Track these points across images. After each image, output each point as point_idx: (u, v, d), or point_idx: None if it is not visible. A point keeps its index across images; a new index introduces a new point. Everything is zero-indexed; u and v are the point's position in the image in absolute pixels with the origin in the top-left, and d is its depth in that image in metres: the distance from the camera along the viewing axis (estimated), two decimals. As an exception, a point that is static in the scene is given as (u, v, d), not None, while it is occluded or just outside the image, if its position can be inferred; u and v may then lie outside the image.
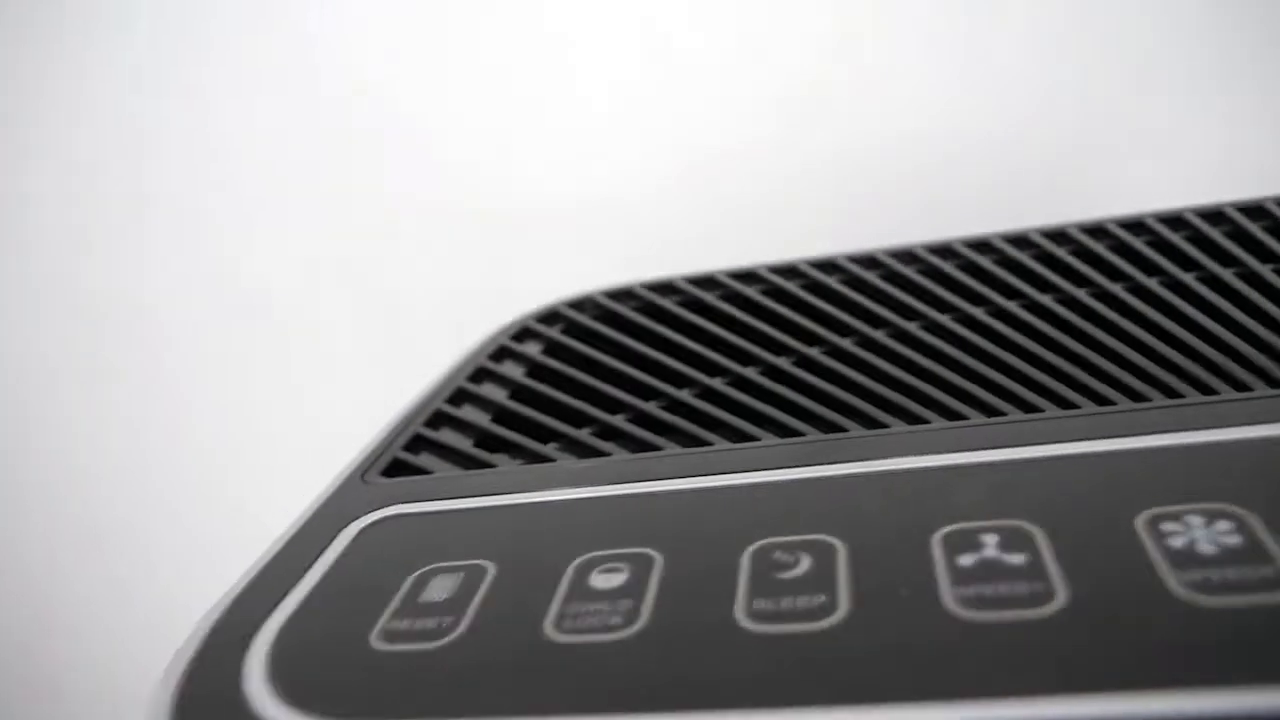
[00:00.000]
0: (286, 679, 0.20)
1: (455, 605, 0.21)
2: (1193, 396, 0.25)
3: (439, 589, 0.22)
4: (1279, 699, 0.14)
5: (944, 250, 0.37)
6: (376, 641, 0.21)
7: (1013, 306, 0.31)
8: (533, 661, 0.19)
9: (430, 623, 0.21)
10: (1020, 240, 0.35)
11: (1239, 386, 0.25)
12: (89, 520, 0.70)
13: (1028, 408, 0.25)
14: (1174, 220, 0.35)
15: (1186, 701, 0.15)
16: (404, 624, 0.21)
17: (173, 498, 0.69)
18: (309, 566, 0.24)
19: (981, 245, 0.36)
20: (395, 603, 0.22)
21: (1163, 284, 0.31)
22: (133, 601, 0.70)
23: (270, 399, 0.67)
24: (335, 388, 0.65)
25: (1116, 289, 0.31)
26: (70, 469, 0.69)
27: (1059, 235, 0.35)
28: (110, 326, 0.66)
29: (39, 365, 0.67)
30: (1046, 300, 0.31)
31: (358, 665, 0.20)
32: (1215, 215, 0.34)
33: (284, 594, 0.23)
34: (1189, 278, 0.31)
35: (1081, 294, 0.31)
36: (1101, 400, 0.25)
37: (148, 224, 0.64)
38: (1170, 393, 0.25)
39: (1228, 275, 0.30)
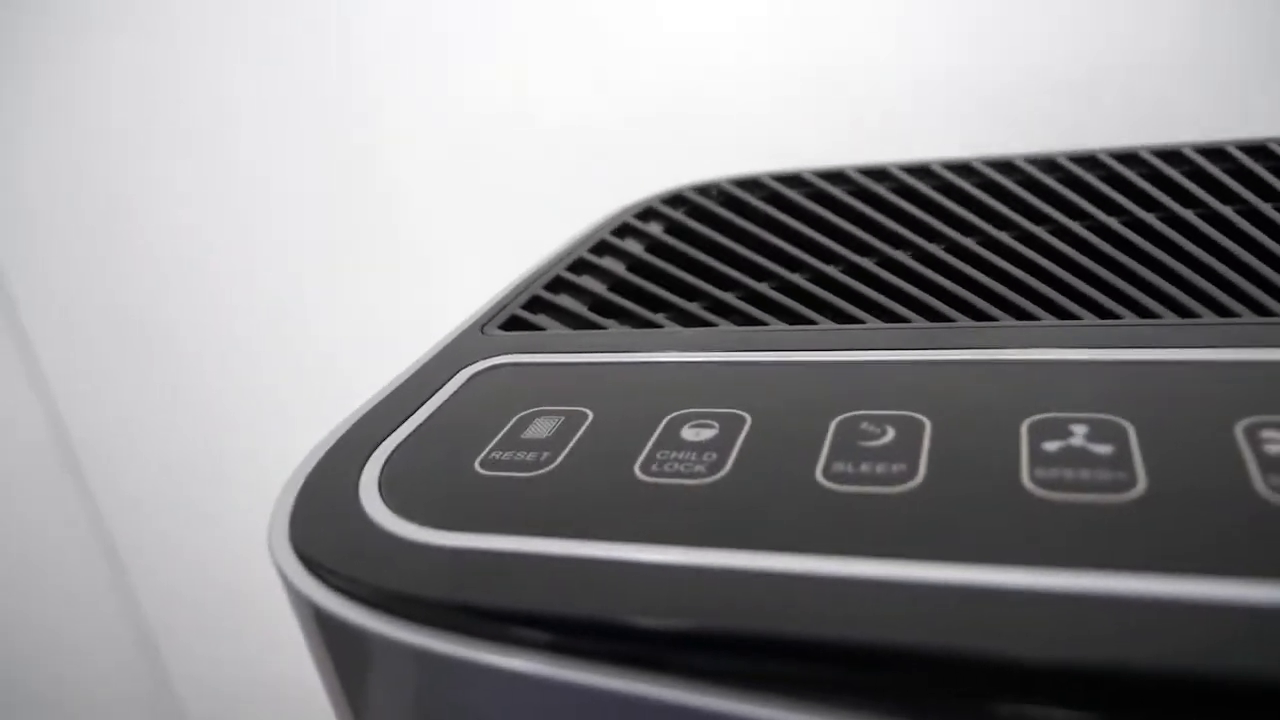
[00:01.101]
0: (397, 491, 0.22)
1: (553, 443, 0.23)
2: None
3: (540, 428, 0.24)
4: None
5: (1087, 160, 0.36)
6: (479, 467, 0.22)
7: (1150, 218, 0.30)
8: (618, 497, 0.20)
9: (529, 455, 0.22)
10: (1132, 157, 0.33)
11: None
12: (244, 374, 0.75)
13: (1144, 313, 0.24)
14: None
15: (1249, 589, 0.15)
16: (505, 455, 0.23)
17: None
18: (425, 401, 0.26)
19: (1128, 157, 0.35)
20: (499, 436, 0.23)
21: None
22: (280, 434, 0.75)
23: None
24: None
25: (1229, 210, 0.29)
26: (230, 337, 0.74)
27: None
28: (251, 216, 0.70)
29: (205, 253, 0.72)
30: (1186, 213, 0.30)
31: (460, 485, 0.22)
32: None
33: (400, 421, 0.25)
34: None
35: (1204, 211, 0.29)
36: (1223, 311, 0.24)
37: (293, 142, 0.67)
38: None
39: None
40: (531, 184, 0.65)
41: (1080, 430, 0.20)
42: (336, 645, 0.20)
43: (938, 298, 0.27)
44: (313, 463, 0.24)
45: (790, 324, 0.28)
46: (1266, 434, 0.18)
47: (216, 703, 0.88)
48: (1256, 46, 0.52)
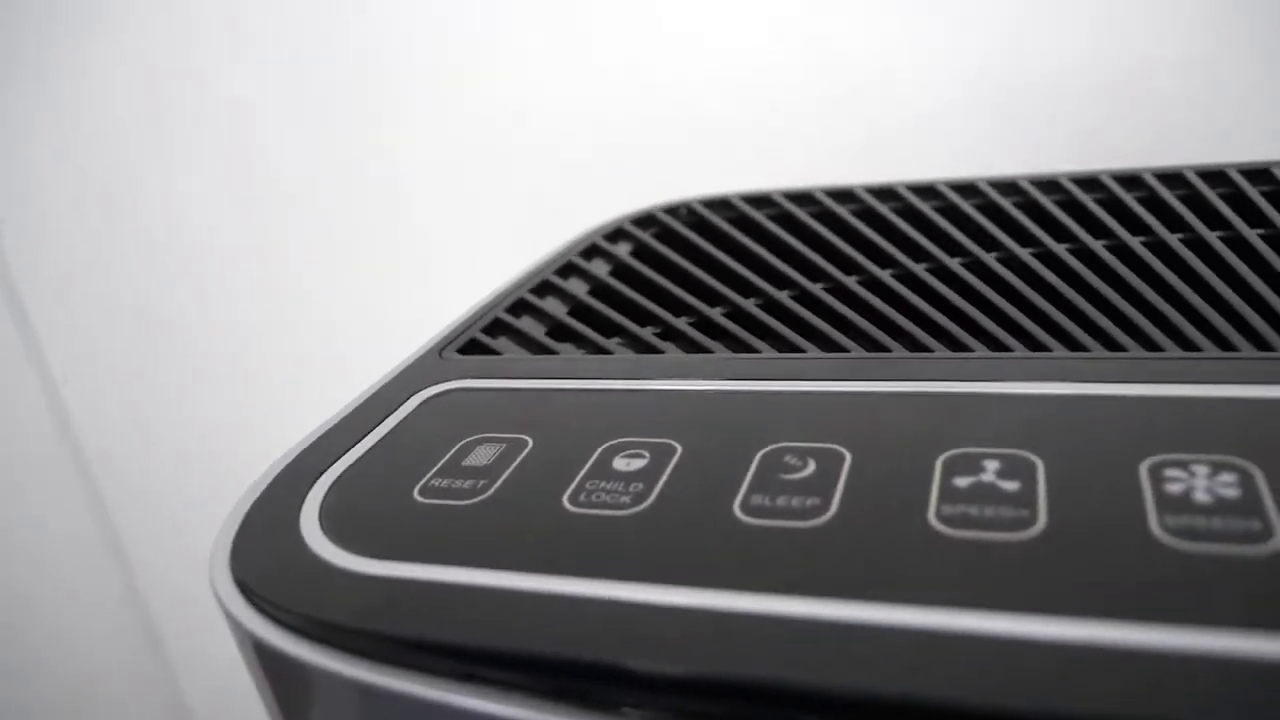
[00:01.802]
0: (336, 519, 0.23)
1: (491, 471, 0.23)
2: (1247, 350, 0.24)
3: (481, 455, 0.24)
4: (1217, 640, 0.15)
5: (1049, 185, 0.36)
6: (419, 495, 0.23)
7: (1097, 246, 0.30)
8: (544, 528, 0.21)
9: (466, 484, 0.23)
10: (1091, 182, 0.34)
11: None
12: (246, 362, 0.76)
13: (1074, 345, 0.25)
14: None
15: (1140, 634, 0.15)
16: (444, 482, 0.23)
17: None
18: (375, 426, 0.27)
19: (1089, 182, 0.35)
20: (441, 463, 0.24)
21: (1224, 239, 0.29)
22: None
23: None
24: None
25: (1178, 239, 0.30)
26: (240, 324, 0.75)
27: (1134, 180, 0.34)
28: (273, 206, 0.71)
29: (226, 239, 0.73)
30: (1135, 242, 0.30)
31: (398, 513, 0.22)
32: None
33: (348, 448, 0.26)
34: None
35: (1157, 240, 0.30)
36: (1151, 346, 0.24)
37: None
38: (1224, 345, 0.24)
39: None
40: (536, 183, 0.66)
41: (992, 466, 0.20)
42: (272, 671, 0.21)
43: (879, 326, 0.27)
44: (258, 490, 0.24)
45: (735, 351, 0.28)
46: (1169, 473, 0.19)
47: (220, 699, 0.89)
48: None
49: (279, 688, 0.21)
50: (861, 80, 0.58)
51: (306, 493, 0.24)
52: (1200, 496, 0.18)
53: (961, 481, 0.20)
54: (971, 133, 0.57)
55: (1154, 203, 0.33)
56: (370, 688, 0.19)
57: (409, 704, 0.19)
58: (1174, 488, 0.18)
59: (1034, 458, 0.20)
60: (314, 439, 0.27)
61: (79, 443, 0.81)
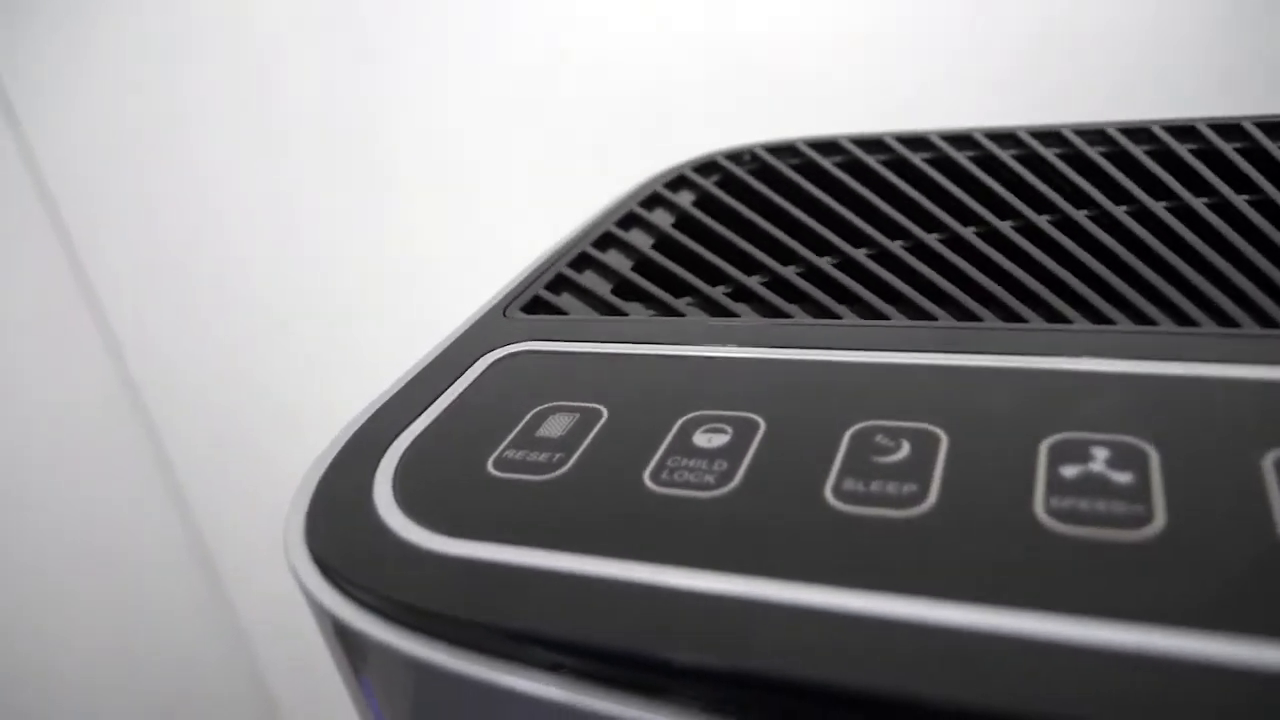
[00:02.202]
0: (409, 491, 0.22)
1: (567, 443, 0.23)
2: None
3: (555, 426, 0.24)
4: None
5: (1140, 132, 0.34)
6: (491, 467, 0.22)
7: (1199, 204, 0.29)
8: (626, 508, 0.20)
9: (542, 456, 0.22)
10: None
11: None
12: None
13: (1183, 319, 0.23)
14: None
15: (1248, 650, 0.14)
16: (519, 454, 0.23)
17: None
18: (443, 391, 0.26)
19: (1184, 130, 0.33)
20: (513, 433, 0.23)
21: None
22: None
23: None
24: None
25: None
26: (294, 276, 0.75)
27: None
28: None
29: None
30: (1240, 200, 0.28)
31: (471, 487, 0.22)
32: None
33: (418, 414, 0.25)
34: None
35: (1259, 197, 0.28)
36: (1266, 320, 0.23)
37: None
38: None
39: None
40: (598, 127, 0.65)
41: (1101, 455, 0.19)
42: (349, 648, 0.21)
43: (967, 291, 0.26)
44: (329, 458, 0.24)
45: (814, 316, 0.27)
46: (1295, 466, 0.18)
47: (286, 642, 0.91)
48: None
49: (356, 664, 0.21)
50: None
51: (378, 463, 0.23)
52: (1332, 495, 0.17)
53: (1069, 471, 0.19)
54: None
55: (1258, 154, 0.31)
56: (446, 672, 0.19)
57: (484, 689, 0.18)
58: (1302, 484, 0.17)
59: (1147, 446, 0.19)
60: (381, 404, 0.26)
61: (143, 400, 0.82)
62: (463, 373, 0.27)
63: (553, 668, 0.18)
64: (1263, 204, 0.28)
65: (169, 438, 0.84)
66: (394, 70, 0.67)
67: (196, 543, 0.88)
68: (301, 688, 0.91)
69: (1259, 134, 0.32)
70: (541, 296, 0.31)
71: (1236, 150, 0.31)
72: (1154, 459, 0.19)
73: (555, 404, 0.24)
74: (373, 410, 0.26)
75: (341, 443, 0.24)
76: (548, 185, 0.67)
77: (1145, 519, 0.17)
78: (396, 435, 0.24)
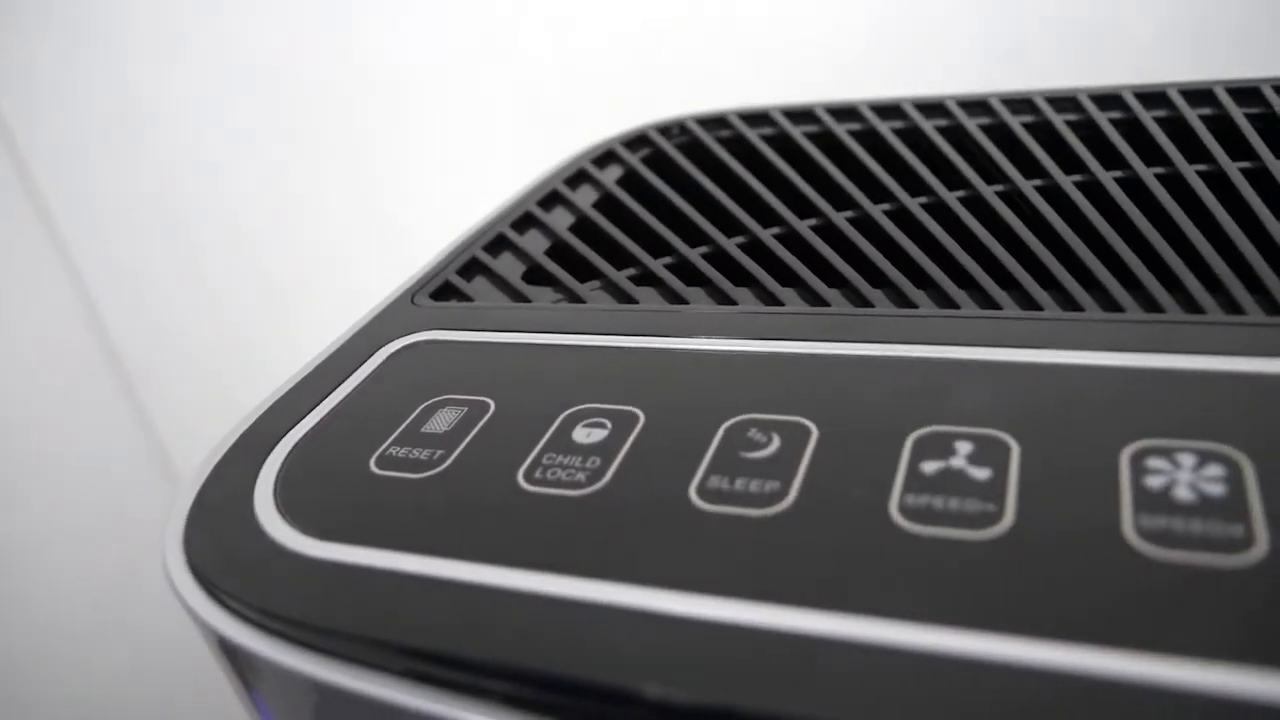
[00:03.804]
0: (290, 493, 0.22)
1: (450, 439, 0.23)
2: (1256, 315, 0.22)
3: (442, 420, 0.23)
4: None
5: (1066, 102, 0.34)
6: (375, 466, 0.22)
7: (1107, 179, 0.28)
8: (496, 509, 0.20)
9: (424, 454, 0.22)
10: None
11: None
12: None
13: (1070, 304, 0.23)
14: None
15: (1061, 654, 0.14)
16: (401, 451, 0.22)
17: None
18: (339, 384, 0.26)
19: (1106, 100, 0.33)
20: (400, 429, 0.23)
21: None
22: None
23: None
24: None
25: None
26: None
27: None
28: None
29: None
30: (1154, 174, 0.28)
31: (352, 487, 0.22)
32: None
33: (310, 408, 0.25)
34: None
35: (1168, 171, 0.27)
36: (1151, 306, 0.22)
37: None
38: (1233, 306, 0.22)
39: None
40: (553, 92, 0.64)
41: (964, 449, 0.19)
42: (229, 656, 0.21)
43: (865, 274, 0.26)
44: (213, 460, 0.24)
45: (714, 301, 0.27)
46: (1152, 462, 0.17)
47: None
48: None
49: (239, 672, 0.21)
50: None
51: (263, 463, 0.23)
52: (1182, 493, 0.17)
53: (930, 467, 0.18)
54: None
55: (1175, 125, 0.30)
56: (317, 681, 0.19)
57: (353, 699, 0.18)
58: (1155, 481, 0.17)
59: (1010, 440, 0.19)
60: (274, 400, 0.26)
61: (120, 355, 0.81)
62: (361, 364, 0.27)
63: (404, 674, 0.18)
64: (1171, 178, 0.28)
65: (160, 417, 0.84)
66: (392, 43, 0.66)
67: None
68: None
69: (1136, 104, 0.31)
70: (451, 282, 0.30)
71: (1112, 121, 0.31)
72: (1015, 453, 0.18)
73: (445, 397, 0.24)
74: (265, 407, 0.25)
75: (229, 443, 0.24)
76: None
77: (995, 517, 0.17)
78: (285, 433, 0.24)
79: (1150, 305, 0.22)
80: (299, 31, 0.67)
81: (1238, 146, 0.29)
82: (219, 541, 0.21)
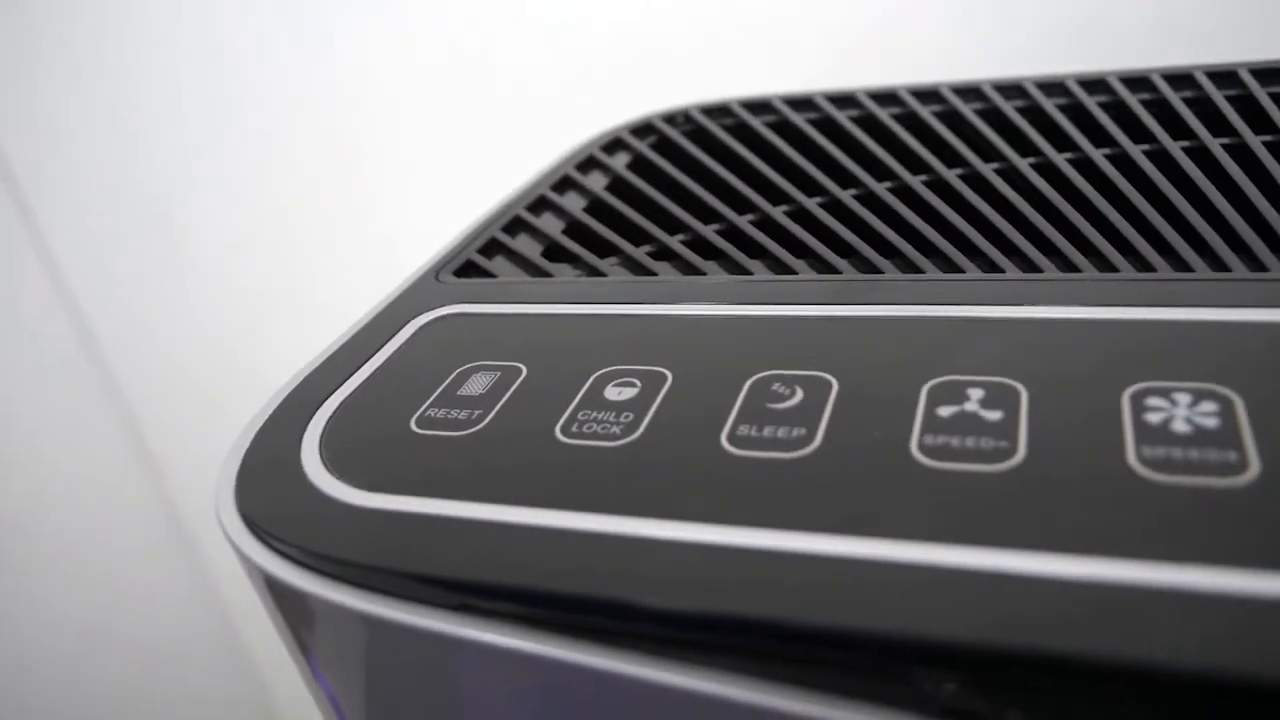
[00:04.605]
0: (335, 451, 0.23)
1: (486, 401, 0.24)
2: (1240, 271, 0.24)
3: (476, 384, 0.25)
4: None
5: (1054, 87, 0.35)
6: (415, 426, 0.23)
7: (1097, 155, 0.30)
8: (536, 459, 0.21)
9: (462, 414, 0.23)
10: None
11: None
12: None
13: (1068, 266, 0.24)
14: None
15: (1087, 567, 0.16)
16: (440, 413, 0.24)
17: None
18: (372, 355, 0.27)
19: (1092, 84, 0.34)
20: (436, 393, 0.24)
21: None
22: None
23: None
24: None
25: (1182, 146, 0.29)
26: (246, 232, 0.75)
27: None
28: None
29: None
30: (1136, 151, 0.29)
31: (394, 444, 0.23)
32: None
33: (347, 376, 0.26)
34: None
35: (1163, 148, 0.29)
36: (1145, 266, 0.24)
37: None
38: (1219, 265, 0.24)
39: None
40: (555, 85, 0.65)
41: (976, 395, 0.20)
42: (280, 601, 0.22)
43: (873, 245, 0.27)
44: (259, 422, 0.25)
45: (729, 273, 0.28)
46: (1151, 401, 0.19)
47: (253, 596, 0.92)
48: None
49: (288, 616, 0.22)
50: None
51: (306, 425, 0.24)
52: (1180, 426, 0.18)
53: (945, 411, 0.20)
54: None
55: (1161, 108, 0.32)
56: (368, 617, 0.20)
57: (406, 632, 0.19)
58: (1154, 417, 0.18)
59: (1018, 385, 0.20)
60: (313, 368, 0.27)
61: (101, 352, 0.82)
62: (392, 336, 0.28)
63: (458, 608, 0.19)
64: (1157, 154, 0.29)
65: (147, 418, 0.85)
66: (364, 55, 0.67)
67: (174, 523, 0.89)
68: (284, 659, 0.92)
69: (1121, 88, 0.33)
70: (473, 260, 0.32)
71: (1099, 105, 0.33)
72: (1024, 396, 0.20)
73: (478, 363, 0.25)
74: (303, 376, 0.27)
75: (272, 408, 0.25)
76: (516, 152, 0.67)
77: (1009, 452, 0.18)
78: (325, 399, 0.25)
79: (1143, 266, 0.24)
80: (283, 36, 0.68)
81: (1218, 125, 0.30)
82: (271, 495, 0.22)
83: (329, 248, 0.74)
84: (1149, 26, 0.52)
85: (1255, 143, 0.28)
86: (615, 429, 0.22)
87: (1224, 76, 0.33)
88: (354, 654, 0.22)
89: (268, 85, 0.69)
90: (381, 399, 0.25)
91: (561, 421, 0.22)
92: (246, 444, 0.24)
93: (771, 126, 0.37)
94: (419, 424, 0.23)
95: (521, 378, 0.25)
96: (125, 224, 0.76)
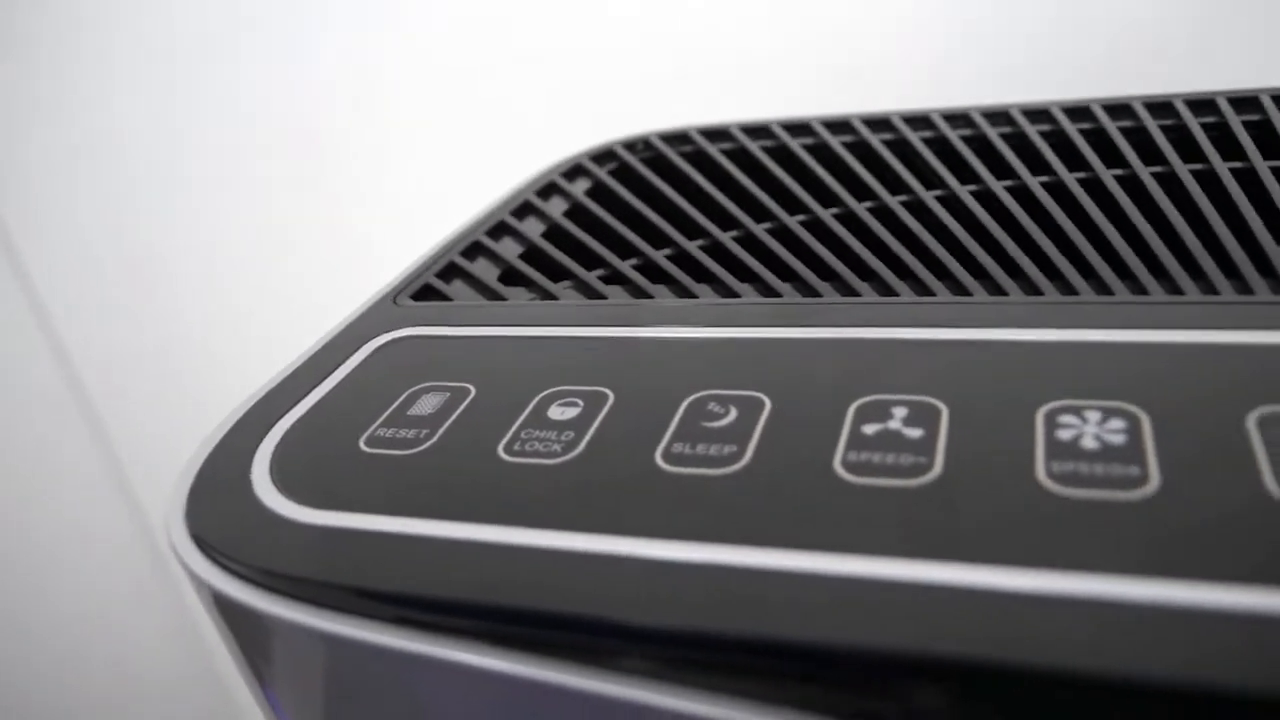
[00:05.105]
0: (285, 469, 0.24)
1: (434, 420, 0.24)
2: (1158, 294, 0.24)
3: (426, 404, 0.25)
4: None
5: (999, 116, 0.36)
6: (364, 445, 0.24)
7: (1034, 183, 0.31)
8: (478, 476, 0.22)
9: (410, 433, 0.24)
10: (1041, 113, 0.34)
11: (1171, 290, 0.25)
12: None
13: (994, 289, 0.25)
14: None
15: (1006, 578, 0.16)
16: (389, 432, 0.24)
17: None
18: (327, 376, 0.28)
19: (1033, 114, 0.36)
20: (387, 413, 0.25)
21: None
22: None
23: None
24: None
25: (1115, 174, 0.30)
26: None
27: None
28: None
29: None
30: (1070, 180, 0.31)
31: (343, 463, 0.24)
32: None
33: (300, 398, 0.27)
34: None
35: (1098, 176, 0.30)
36: (1069, 289, 0.25)
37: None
38: (1139, 289, 0.25)
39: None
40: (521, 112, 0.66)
41: (900, 413, 0.21)
42: (230, 618, 0.22)
43: (814, 269, 0.28)
44: (212, 443, 0.25)
45: (677, 296, 0.29)
46: (1063, 418, 0.20)
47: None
48: None
49: (236, 632, 0.23)
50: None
51: (259, 445, 0.25)
52: (1088, 443, 0.19)
53: (870, 429, 0.21)
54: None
55: (1096, 135, 0.33)
56: (311, 631, 0.20)
57: (348, 645, 0.20)
58: (1065, 434, 0.19)
59: (940, 404, 0.21)
60: (267, 390, 0.28)
61: (81, 380, 0.82)
62: (347, 358, 0.28)
63: (397, 621, 0.19)
64: (1090, 182, 0.30)
65: (115, 426, 0.85)
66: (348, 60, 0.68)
67: (142, 529, 0.88)
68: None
69: (1063, 118, 0.34)
70: (431, 284, 0.32)
71: (1040, 134, 0.34)
72: (944, 415, 0.21)
73: (428, 384, 0.26)
74: (257, 397, 0.27)
75: (225, 429, 0.26)
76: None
77: (926, 468, 0.19)
78: (278, 419, 0.26)
79: (1067, 289, 0.25)
80: (254, 52, 0.68)
81: (1150, 154, 0.31)
82: (220, 514, 0.23)
83: (301, 275, 0.74)
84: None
85: (1184, 171, 0.29)
86: (556, 447, 0.22)
87: (1161, 107, 0.34)
88: (300, 669, 0.22)
89: (242, 114, 0.70)
90: (333, 419, 0.26)
91: (505, 440, 0.23)
92: (199, 464, 0.25)
93: (727, 154, 0.38)
94: (368, 443, 0.24)
95: (470, 398, 0.25)
96: (99, 237, 0.76)
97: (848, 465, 0.20)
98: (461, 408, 0.25)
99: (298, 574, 0.21)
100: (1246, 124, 0.32)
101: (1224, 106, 0.33)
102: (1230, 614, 0.15)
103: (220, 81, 0.70)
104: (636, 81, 0.63)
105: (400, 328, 0.30)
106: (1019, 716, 0.15)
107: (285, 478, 0.23)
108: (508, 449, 0.23)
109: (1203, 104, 0.34)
